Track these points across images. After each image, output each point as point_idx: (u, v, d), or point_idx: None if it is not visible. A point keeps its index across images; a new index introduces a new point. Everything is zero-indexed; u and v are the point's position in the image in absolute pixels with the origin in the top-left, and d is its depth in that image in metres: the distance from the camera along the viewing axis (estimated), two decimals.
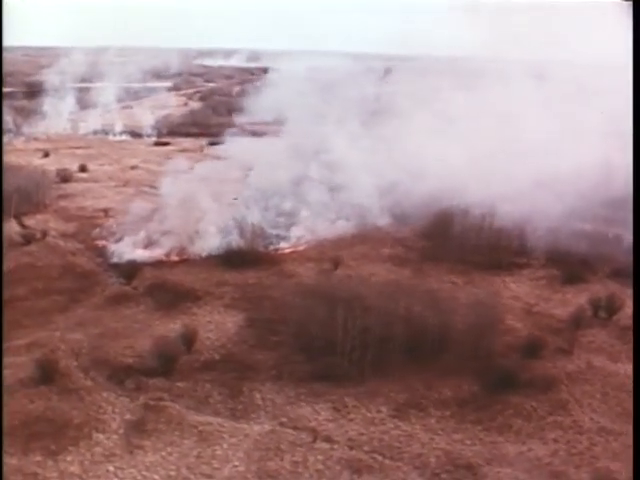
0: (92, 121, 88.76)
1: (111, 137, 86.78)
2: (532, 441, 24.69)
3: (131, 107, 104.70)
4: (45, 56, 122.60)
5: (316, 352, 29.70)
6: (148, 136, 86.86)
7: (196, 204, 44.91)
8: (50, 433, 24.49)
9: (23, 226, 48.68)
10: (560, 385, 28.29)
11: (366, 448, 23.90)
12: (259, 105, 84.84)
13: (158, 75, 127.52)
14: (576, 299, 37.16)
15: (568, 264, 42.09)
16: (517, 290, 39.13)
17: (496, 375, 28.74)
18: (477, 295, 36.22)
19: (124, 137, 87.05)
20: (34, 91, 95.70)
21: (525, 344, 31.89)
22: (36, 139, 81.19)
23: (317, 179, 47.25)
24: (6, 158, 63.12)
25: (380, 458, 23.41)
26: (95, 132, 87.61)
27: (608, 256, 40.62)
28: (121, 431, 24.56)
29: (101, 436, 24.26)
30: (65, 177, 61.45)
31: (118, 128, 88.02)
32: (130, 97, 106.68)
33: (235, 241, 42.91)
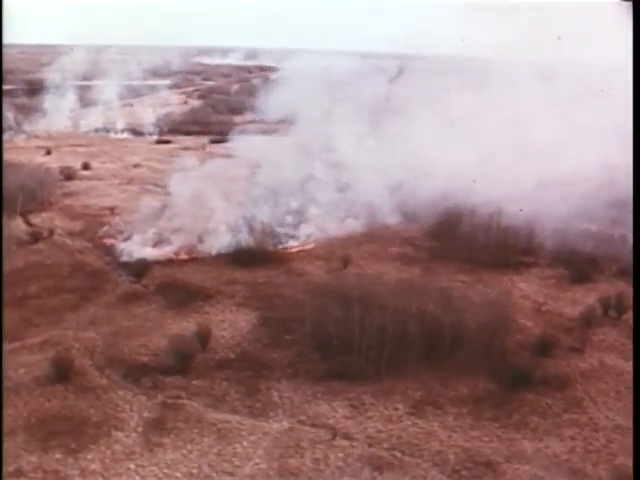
0: (93, 119, 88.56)
1: (112, 135, 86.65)
2: (549, 438, 24.87)
3: (131, 105, 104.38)
4: (44, 54, 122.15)
5: (331, 350, 29.82)
6: (149, 134, 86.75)
7: (204, 202, 45.00)
8: (69, 431, 24.49)
9: (29, 224, 48.57)
10: (574, 383, 28.52)
11: (385, 445, 24.02)
12: (260, 103, 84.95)
13: (157, 73, 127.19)
14: (585, 298, 37.44)
15: (575, 263, 42.36)
16: (526, 289, 39.31)
17: (510, 373, 28.92)
18: (488, 294, 36.56)
19: (125, 135, 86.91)
20: (34, 89, 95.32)
21: (537, 343, 32.07)
22: (37, 137, 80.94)
23: (324, 178, 47.41)
24: (8, 156, 62.98)
25: (400, 455, 23.56)
26: (96, 130, 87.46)
27: (614, 256, 40.87)
28: (140, 429, 24.58)
29: (120, 434, 24.30)
30: (69, 175, 61.27)
31: (119, 126, 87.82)
32: (130, 95, 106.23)
33: (244, 239, 43.00)
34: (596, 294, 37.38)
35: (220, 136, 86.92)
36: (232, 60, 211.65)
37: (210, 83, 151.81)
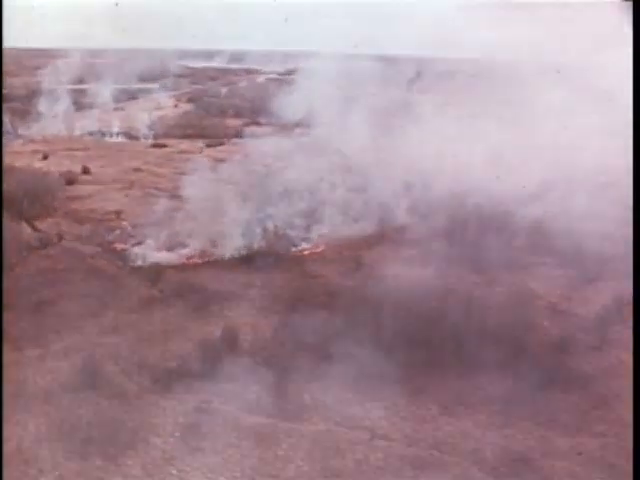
0: (87, 122, 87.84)
1: (107, 139, 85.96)
2: (580, 435, 25.40)
3: (124, 109, 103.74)
4: (36, 57, 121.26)
5: (357, 352, 30.08)
6: (144, 138, 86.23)
7: (215, 205, 45.08)
8: (105, 437, 24.40)
9: (36, 229, 48.15)
10: (597, 381, 29.12)
11: (423, 445, 24.35)
12: (255, 106, 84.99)
13: (147, 77, 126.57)
14: (597, 297, 38.16)
15: (583, 263, 43.31)
16: (538, 289, 39.98)
17: (535, 372, 29.48)
18: (505, 294, 37.21)
19: (120, 139, 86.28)
20: (27, 92, 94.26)
21: (557, 342, 32.75)
22: (33, 141, 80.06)
23: (334, 180, 47.76)
24: (8, 160, 62.48)
25: (438, 454, 23.90)
26: (91, 133, 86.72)
27: (622, 255, 41.72)
28: (177, 434, 24.60)
29: (158, 440, 24.27)
30: (70, 179, 60.72)
31: (114, 130, 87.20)
32: (123, 98, 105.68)
33: (257, 242, 43.13)
34: (607, 293, 38.15)
35: (216, 139, 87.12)
36: (217, 63, 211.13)
37: (198, 86, 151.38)
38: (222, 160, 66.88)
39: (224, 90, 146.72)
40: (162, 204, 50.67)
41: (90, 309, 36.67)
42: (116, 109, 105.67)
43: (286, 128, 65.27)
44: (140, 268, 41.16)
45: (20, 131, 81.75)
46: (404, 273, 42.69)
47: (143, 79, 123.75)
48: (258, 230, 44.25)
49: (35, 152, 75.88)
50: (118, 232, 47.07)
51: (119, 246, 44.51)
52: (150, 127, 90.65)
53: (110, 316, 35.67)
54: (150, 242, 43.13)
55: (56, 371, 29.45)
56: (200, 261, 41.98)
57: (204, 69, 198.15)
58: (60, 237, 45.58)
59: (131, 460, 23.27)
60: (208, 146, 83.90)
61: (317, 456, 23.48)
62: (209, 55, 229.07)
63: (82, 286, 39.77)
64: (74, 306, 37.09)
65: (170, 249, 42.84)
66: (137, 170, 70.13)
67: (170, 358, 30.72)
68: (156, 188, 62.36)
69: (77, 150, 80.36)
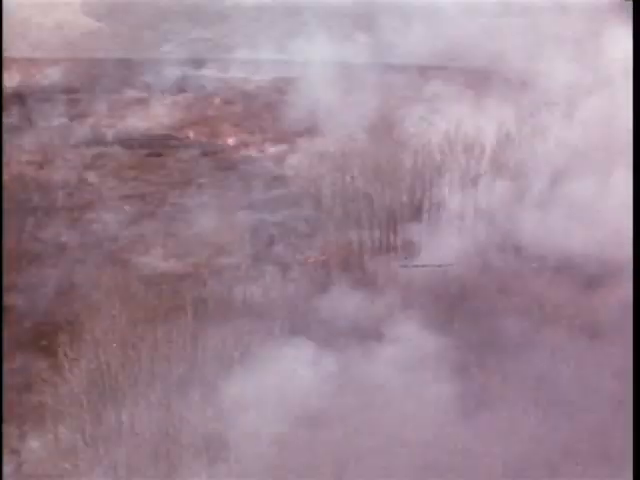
0: (81, 131, 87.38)
1: (102, 148, 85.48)
2: (599, 438, 25.70)
3: (116, 117, 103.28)
4: (32, 65, 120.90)
5: (373, 359, 30.29)
6: (140, 146, 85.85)
7: (219, 213, 45.19)
8: (128, 448, 24.42)
9: (37, 239, 47.87)
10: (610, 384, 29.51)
11: (444, 450, 24.56)
12: (249, 115, 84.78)
13: (137, 85, 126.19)
14: (602, 301, 38.65)
15: (585, 268, 43.72)
16: (542, 294, 40.38)
17: (547, 375, 29.89)
18: (511, 300, 37.57)
19: (115, 148, 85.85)
20: (22, 100, 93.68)
21: (567, 346, 33.17)
22: (28, 150, 79.42)
23: (335, 187, 47.93)
24: (4, 169, 61.94)
25: (460, 459, 24.13)
26: (86, 143, 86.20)
27: (626, 258, 42.13)
28: (200, 444, 24.65)
29: (180, 449, 24.33)
30: (67, 189, 60.39)
31: (108, 139, 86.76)
32: (115, 107, 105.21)
33: (262, 250, 43.17)
34: (611, 297, 38.63)
35: (212, 147, 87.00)
36: (208, 71, 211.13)
37: (191, 94, 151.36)
38: (221, 168, 67.06)
39: (218, 97, 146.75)
40: (164, 213, 50.71)
41: (101, 320, 36.31)
42: (110, 117, 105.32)
43: (287, 135, 65.59)
44: (147, 277, 41.03)
45: (15, 140, 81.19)
46: (412, 279, 43.01)
47: (135, 87, 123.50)
48: (263, 237, 44.41)
49: (31, 162, 75.53)
50: (121, 242, 47.05)
51: (124, 256, 44.40)
52: (144, 136, 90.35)
53: (123, 326, 35.41)
54: (155, 251, 43.17)
55: (71, 380, 29.34)
56: (206, 270, 41.98)
57: (197, 77, 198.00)
58: (63, 247, 45.40)
59: (156, 470, 23.33)
60: (205, 154, 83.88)
61: (339, 463, 23.57)
62: (200, 63, 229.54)
63: (91, 297, 39.63)
64: (84, 317, 36.94)
65: (176, 258, 42.87)
66: (135, 179, 69.90)
67: (187, 367, 30.69)
68: (157, 197, 62.16)
69: (73, 159, 79.98)
